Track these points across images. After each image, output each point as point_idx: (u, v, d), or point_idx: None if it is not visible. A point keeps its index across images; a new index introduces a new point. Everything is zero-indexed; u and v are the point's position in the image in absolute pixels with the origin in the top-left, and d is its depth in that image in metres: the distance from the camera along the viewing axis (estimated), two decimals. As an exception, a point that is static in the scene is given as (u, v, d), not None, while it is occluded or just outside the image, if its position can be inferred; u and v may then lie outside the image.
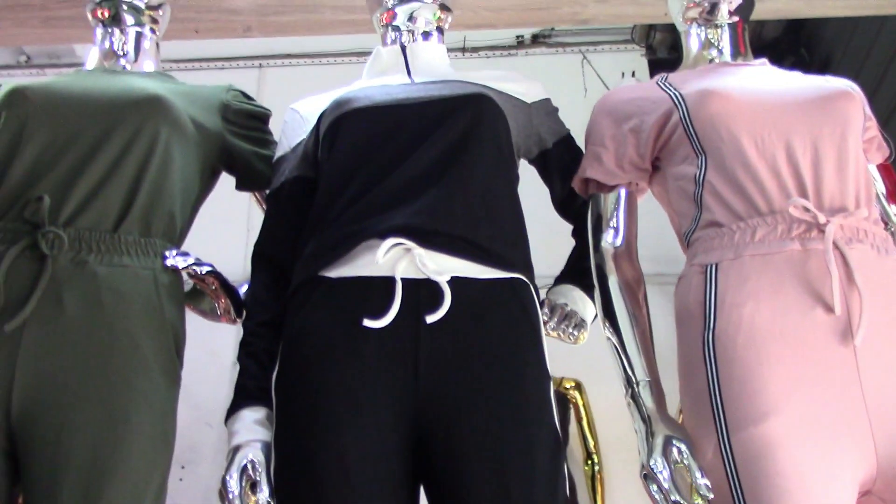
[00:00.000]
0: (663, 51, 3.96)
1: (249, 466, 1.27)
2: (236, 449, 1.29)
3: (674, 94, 1.52)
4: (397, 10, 1.67)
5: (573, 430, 3.65)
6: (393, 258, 1.30)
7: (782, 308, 1.28)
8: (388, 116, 1.46)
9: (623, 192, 1.58)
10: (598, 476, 3.56)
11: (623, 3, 2.17)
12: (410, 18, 1.67)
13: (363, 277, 1.31)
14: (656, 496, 1.24)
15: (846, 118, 1.43)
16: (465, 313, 1.29)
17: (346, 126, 1.47)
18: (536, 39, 4.69)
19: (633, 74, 3.66)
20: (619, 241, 1.54)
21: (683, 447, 1.26)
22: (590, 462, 3.58)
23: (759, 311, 1.28)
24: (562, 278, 1.60)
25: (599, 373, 3.67)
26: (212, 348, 3.57)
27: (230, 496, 1.25)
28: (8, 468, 1.30)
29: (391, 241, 1.30)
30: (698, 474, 1.23)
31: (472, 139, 1.43)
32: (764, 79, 1.54)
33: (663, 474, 1.24)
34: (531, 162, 1.66)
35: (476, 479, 1.19)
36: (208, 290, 1.49)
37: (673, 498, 1.22)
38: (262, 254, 1.52)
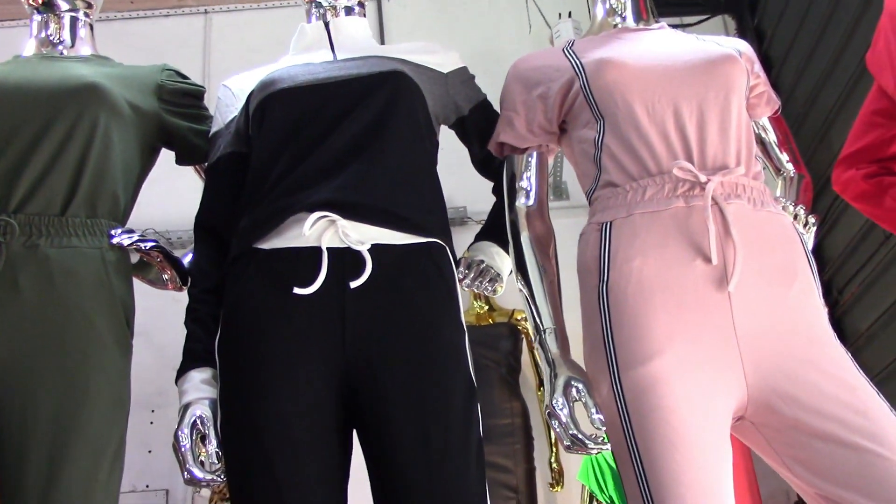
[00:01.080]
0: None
1: (199, 422, 1.42)
2: (186, 406, 1.44)
3: (575, 62, 1.65)
4: None
5: (525, 358, 3.85)
6: (319, 230, 1.44)
7: (667, 260, 1.43)
8: (311, 96, 1.58)
9: (535, 154, 1.72)
10: (550, 401, 3.76)
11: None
12: None
13: (293, 249, 1.45)
14: (558, 430, 1.41)
15: (729, 82, 1.57)
16: (386, 277, 1.43)
17: (271, 107, 1.58)
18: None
19: (570, 15, 3.74)
20: (531, 202, 1.68)
21: (581, 386, 1.43)
22: (542, 388, 3.77)
23: (646, 264, 1.43)
24: (481, 234, 1.75)
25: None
26: (174, 296, 3.71)
27: (182, 449, 1.41)
28: None
29: (317, 214, 1.44)
30: (593, 410, 1.40)
31: (389, 115, 1.55)
32: (659, 45, 1.66)
33: (563, 411, 1.41)
34: (450, 127, 1.78)
35: (398, 424, 1.35)
36: (154, 262, 1.62)
37: (570, 431, 1.39)
38: (203, 225, 1.65)
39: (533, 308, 1.56)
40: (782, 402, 1.35)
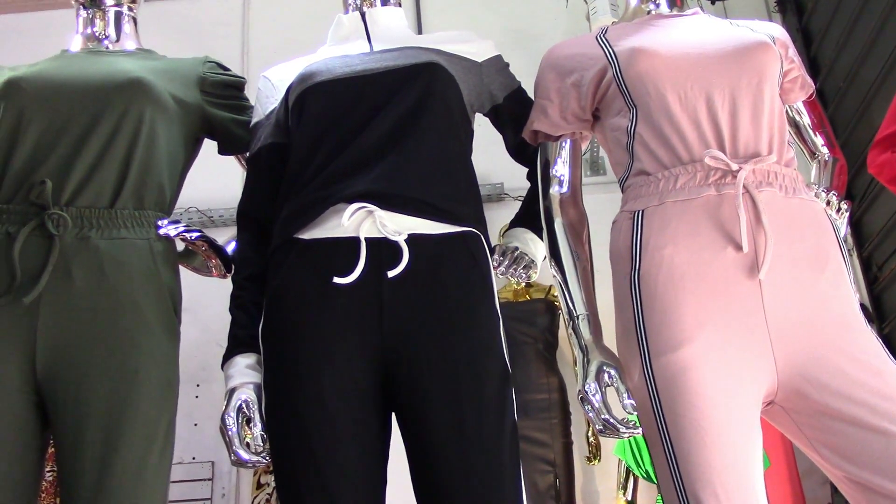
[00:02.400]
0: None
1: (244, 406, 1.48)
2: (232, 391, 1.50)
3: (608, 51, 1.67)
4: None
5: (563, 334, 3.88)
6: (357, 220, 1.48)
7: (698, 248, 1.46)
8: (349, 88, 1.61)
9: (568, 142, 1.74)
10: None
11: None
12: None
13: (332, 239, 1.50)
14: (591, 415, 1.45)
15: (762, 69, 1.58)
16: (422, 266, 1.47)
17: (310, 100, 1.63)
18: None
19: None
20: (565, 188, 1.71)
21: (613, 372, 1.46)
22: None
23: (677, 252, 1.46)
24: (516, 221, 1.79)
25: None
26: (218, 274, 3.81)
27: (229, 432, 1.47)
28: (38, 417, 1.51)
29: (355, 205, 1.48)
30: (626, 395, 1.43)
31: (424, 107, 1.59)
32: (692, 33, 1.67)
33: (596, 396, 1.44)
34: (485, 114, 1.81)
35: (435, 407, 1.40)
36: (199, 251, 1.68)
37: (603, 416, 1.43)
38: (246, 214, 1.70)
39: (566, 294, 1.59)
40: (811, 387, 1.38)
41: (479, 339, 1.46)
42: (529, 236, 1.74)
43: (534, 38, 4.56)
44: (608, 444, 3.48)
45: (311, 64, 1.71)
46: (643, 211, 1.52)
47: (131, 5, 1.87)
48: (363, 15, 1.80)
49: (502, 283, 3.75)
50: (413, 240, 1.48)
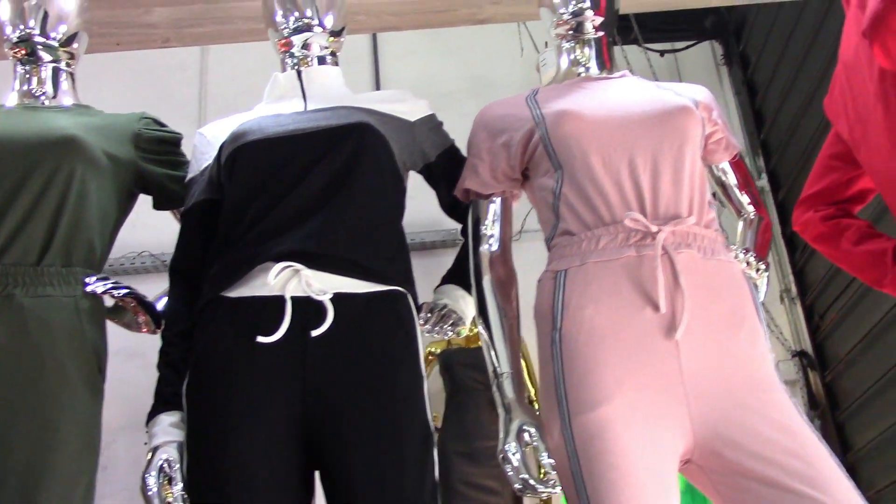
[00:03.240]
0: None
1: (165, 465, 1.48)
2: (154, 450, 1.50)
3: (536, 113, 1.71)
4: (293, 38, 1.83)
5: None
6: (284, 279, 1.50)
7: (618, 308, 1.48)
8: (280, 148, 1.64)
9: (499, 200, 1.77)
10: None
11: (517, 3, 2.33)
12: (305, 46, 1.83)
13: (258, 297, 1.51)
14: (510, 474, 1.47)
15: (683, 132, 1.62)
16: (346, 326, 1.49)
17: (241, 158, 1.65)
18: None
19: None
20: (494, 247, 1.74)
21: (533, 431, 1.49)
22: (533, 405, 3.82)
23: (598, 312, 1.49)
24: (447, 277, 1.81)
25: None
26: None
27: (149, 492, 1.47)
28: None
29: (281, 264, 1.50)
30: (544, 455, 1.46)
31: (354, 166, 1.62)
32: (618, 95, 1.72)
33: (515, 456, 1.46)
34: (418, 172, 1.84)
35: (355, 468, 1.41)
36: (128, 307, 1.69)
37: (521, 475, 1.45)
38: (178, 269, 1.71)
39: (492, 352, 1.62)
40: (726, 446, 1.41)
41: (400, 399, 1.48)
42: (460, 293, 1.76)
43: (490, 85, 4.64)
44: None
45: (245, 122, 1.73)
46: (566, 271, 1.55)
47: (69, 61, 1.89)
48: (299, 73, 1.83)
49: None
50: (338, 299, 1.50)
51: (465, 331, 1.74)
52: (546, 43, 3.95)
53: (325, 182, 1.59)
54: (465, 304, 1.75)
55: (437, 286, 1.81)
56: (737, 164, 1.88)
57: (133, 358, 4.20)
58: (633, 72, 1.91)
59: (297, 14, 1.80)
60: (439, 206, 1.90)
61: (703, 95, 1.78)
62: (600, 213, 1.56)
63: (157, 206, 1.86)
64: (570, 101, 1.71)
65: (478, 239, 1.75)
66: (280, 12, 1.82)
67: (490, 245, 1.73)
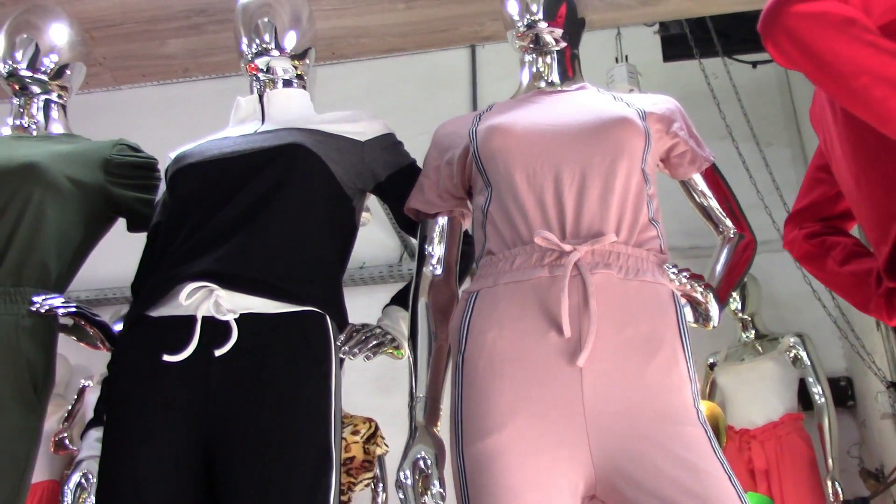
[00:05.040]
0: (676, 27, 3.95)
1: (83, 479, 1.54)
2: (77, 463, 1.56)
3: (473, 129, 1.66)
4: (256, 62, 1.87)
5: None
6: (199, 299, 1.53)
7: (522, 332, 1.41)
8: (212, 170, 1.67)
9: (444, 219, 1.73)
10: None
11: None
12: (268, 70, 1.87)
13: (173, 317, 1.54)
14: (403, 501, 1.42)
15: (617, 146, 1.52)
16: (251, 346, 1.49)
17: (178, 180, 1.70)
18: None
19: (626, 58, 3.69)
20: (436, 268, 1.70)
21: (430, 460, 1.43)
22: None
23: (501, 336, 1.42)
24: (394, 298, 1.78)
25: None
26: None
27: (65, 501, 1.53)
28: None
29: (194, 284, 1.53)
30: (435, 483, 1.40)
31: (280, 188, 1.62)
32: (561, 109, 1.64)
33: (408, 482, 1.42)
34: (371, 192, 1.83)
35: (241, 491, 1.41)
36: (79, 324, 1.76)
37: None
38: (136, 289, 1.77)
39: (414, 375, 1.58)
40: (624, 482, 1.31)
41: (297, 422, 1.46)
42: (401, 314, 1.73)
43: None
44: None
45: (193, 146, 1.78)
46: (478, 293, 1.49)
47: (61, 93, 2.01)
48: (261, 97, 1.86)
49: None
50: (245, 319, 1.51)
51: (400, 353, 1.70)
52: (626, 56, 3.84)
53: (249, 203, 1.61)
54: (405, 326, 1.72)
55: (385, 306, 1.78)
56: (710, 177, 1.75)
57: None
58: (636, 83, 1.82)
59: (257, 40, 1.84)
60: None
61: (662, 106, 1.67)
62: (520, 231, 1.49)
63: (130, 228, 1.94)
64: (508, 116, 1.65)
65: (421, 259, 1.72)
66: (245, 40, 1.86)
67: (433, 268, 1.70)
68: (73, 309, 1.73)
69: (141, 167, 1.95)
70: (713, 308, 1.56)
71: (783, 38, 1.23)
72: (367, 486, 3.45)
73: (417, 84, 5.06)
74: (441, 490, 1.39)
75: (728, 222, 1.76)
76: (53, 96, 1.99)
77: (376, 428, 3.51)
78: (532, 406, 1.36)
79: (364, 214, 3.97)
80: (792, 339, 3.71)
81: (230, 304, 1.51)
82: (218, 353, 1.48)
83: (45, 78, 1.97)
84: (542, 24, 1.73)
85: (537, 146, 1.54)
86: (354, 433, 3.48)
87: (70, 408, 3.83)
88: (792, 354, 3.70)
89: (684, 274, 1.52)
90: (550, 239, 1.43)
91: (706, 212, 1.77)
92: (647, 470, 1.29)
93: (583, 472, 1.34)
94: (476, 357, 1.43)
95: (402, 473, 1.43)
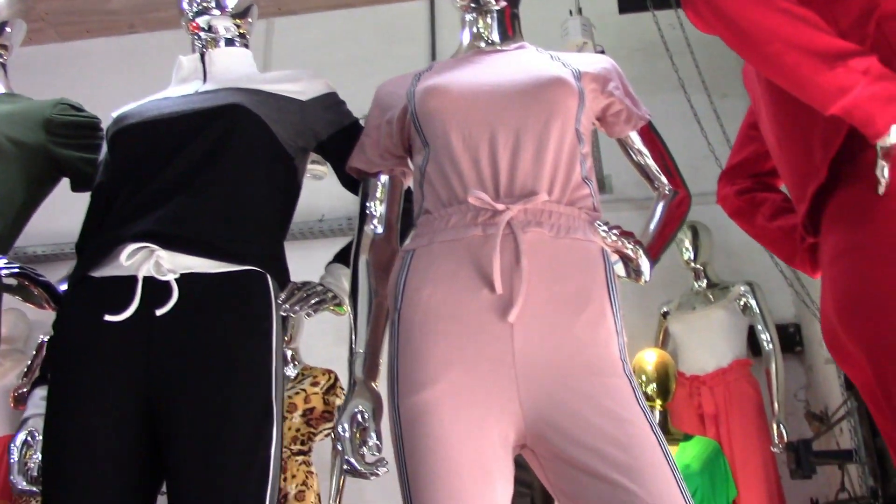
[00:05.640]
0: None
1: (29, 437, 1.57)
2: (24, 421, 1.59)
3: (411, 89, 1.68)
4: (197, 20, 1.86)
5: None
6: (140, 260, 1.55)
7: (456, 290, 1.45)
8: (152, 131, 1.68)
9: (386, 178, 1.76)
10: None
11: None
12: (210, 29, 1.87)
13: (115, 277, 1.57)
14: (340, 455, 1.47)
15: (552, 106, 1.56)
16: (192, 306, 1.52)
17: (118, 142, 1.70)
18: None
19: (581, 11, 3.69)
20: (379, 229, 1.73)
21: (367, 413, 1.48)
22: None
23: (435, 293, 1.46)
24: (337, 256, 1.81)
25: None
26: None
27: (11, 460, 1.56)
28: None
29: (135, 244, 1.55)
30: (371, 436, 1.45)
31: (221, 148, 1.64)
32: (499, 69, 1.66)
33: (345, 436, 1.47)
34: (314, 151, 1.85)
35: (184, 449, 1.45)
36: (23, 284, 1.78)
37: (346, 457, 1.45)
38: (81, 249, 1.79)
39: (354, 331, 1.61)
40: (552, 431, 1.36)
41: (238, 378, 1.50)
42: (344, 271, 1.76)
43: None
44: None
45: (132, 107, 1.78)
46: (414, 251, 1.53)
47: (1, 52, 1.99)
48: (202, 55, 1.86)
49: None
50: (186, 279, 1.53)
51: (342, 310, 1.74)
52: (580, 9, 3.85)
53: (191, 164, 1.62)
54: (347, 283, 1.75)
55: (327, 263, 1.81)
56: (646, 135, 1.78)
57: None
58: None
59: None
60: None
61: (597, 66, 1.70)
62: (455, 191, 1.52)
63: (74, 188, 1.95)
64: (445, 77, 1.67)
65: (363, 217, 1.75)
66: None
67: (374, 226, 1.73)
68: (17, 269, 1.75)
69: (83, 126, 1.95)
70: (644, 263, 1.61)
71: (701, 4, 1.26)
72: (326, 435, 3.51)
73: (375, 37, 5.03)
74: (377, 442, 1.44)
75: (663, 179, 1.80)
76: None
77: (336, 379, 3.55)
78: (465, 360, 1.41)
79: (321, 168, 3.98)
80: (742, 288, 3.80)
81: (171, 265, 1.54)
82: (159, 312, 1.50)
83: None
84: None
85: (473, 107, 1.57)
86: (314, 384, 3.53)
87: (30, 363, 3.84)
88: (742, 302, 3.79)
89: (614, 231, 1.55)
90: (483, 198, 1.47)
91: (642, 169, 1.82)
92: (573, 419, 1.35)
93: (513, 422, 1.39)
94: (411, 314, 1.47)
95: (340, 427, 1.47)
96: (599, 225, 1.55)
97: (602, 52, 3.80)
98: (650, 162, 1.80)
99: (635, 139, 1.78)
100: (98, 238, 1.62)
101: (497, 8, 1.78)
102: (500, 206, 1.47)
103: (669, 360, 3.42)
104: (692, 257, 3.92)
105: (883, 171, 1.24)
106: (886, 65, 1.21)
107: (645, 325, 4.09)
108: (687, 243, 3.93)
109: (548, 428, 1.37)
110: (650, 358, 3.40)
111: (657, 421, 3.24)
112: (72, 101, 1.97)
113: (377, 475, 1.45)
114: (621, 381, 1.40)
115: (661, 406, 3.31)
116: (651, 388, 3.31)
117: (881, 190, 1.25)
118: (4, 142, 1.79)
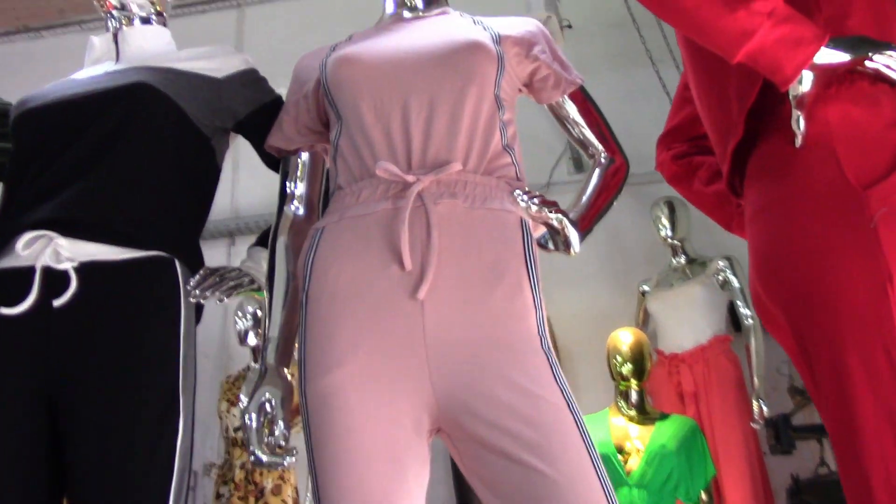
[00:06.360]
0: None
1: None
2: None
3: (324, 60, 1.60)
4: None
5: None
6: (39, 249, 1.48)
7: (364, 266, 1.38)
8: (53, 114, 1.61)
9: (306, 155, 1.68)
10: (558, 381, 3.68)
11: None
12: (122, 7, 1.79)
13: (13, 268, 1.50)
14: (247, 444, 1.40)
15: (468, 71, 1.48)
16: (92, 295, 1.45)
17: (21, 126, 1.63)
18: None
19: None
20: (298, 206, 1.65)
21: (275, 401, 1.41)
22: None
23: (343, 271, 1.39)
24: (258, 239, 1.74)
25: (567, 279, 3.77)
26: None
27: None
28: None
29: (32, 233, 1.48)
30: (279, 425, 1.38)
31: (123, 130, 1.57)
32: (416, 36, 1.58)
33: (252, 425, 1.40)
34: (232, 130, 1.77)
35: (83, 443, 1.39)
36: None
37: (251, 448, 1.38)
38: None
39: (268, 316, 1.54)
40: (465, 413, 1.29)
41: (139, 367, 1.43)
42: (265, 254, 1.69)
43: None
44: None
45: (36, 91, 1.71)
46: (323, 228, 1.45)
47: None
48: (115, 35, 1.79)
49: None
50: (86, 267, 1.46)
51: (263, 294, 1.67)
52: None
53: (93, 146, 1.55)
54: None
55: (249, 247, 1.74)
56: (577, 100, 1.70)
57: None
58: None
59: None
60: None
61: (521, 29, 1.62)
62: (366, 164, 1.45)
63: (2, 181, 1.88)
64: (359, 46, 1.59)
65: (283, 197, 1.68)
66: None
67: (296, 207, 1.65)
68: None
69: (2, 115, 1.88)
70: (572, 234, 1.52)
71: None
72: (301, 427, 3.46)
73: (348, 24, 4.92)
74: (285, 431, 1.37)
75: (598, 145, 1.72)
76: None
77: None
78: (372, 341, 1.33)
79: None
80: (721, 263, 3.72)
81: (70, 253, 1.47)
82: (56, 303, 1.43)
83: None
84: None
85: (385, 75, 1.49)
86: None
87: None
88: (721, 278, 3.70)
89: (534, 200, 1.47)
90: (391, 170, 1.40)
91: (575, 137, 1.74)
92: (484, 399, 1.28)
93: (426, 405, 1.32)
94: (318, 294, 1.40)
95: (247, 416, 1.41)
96: (518, 194, 1.47)
97: (569, 26, 3.72)
98: (584, 129, 1.71)
99: (567, 106, 1.70)
100: None
101: None
102: (410, 178, 1.39)
103: (644, 339, 3.34)
104: (669, 233, 3.84)
105: (798, 123, 1.16)
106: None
107: (625, 304, 4.02)
108: (664, 219, 3.85)
109: (461, 410, 1.30)
110: (625, 338, 3.32)
111: (634, 401, 3.22)
112: None
113: (283, 466, 1.37)
114: (537, 356, 1.32)
115: (636, 386, 3.24)
116: (627, 369, 3.24)
117: (798, 142, 1.17)
118: None
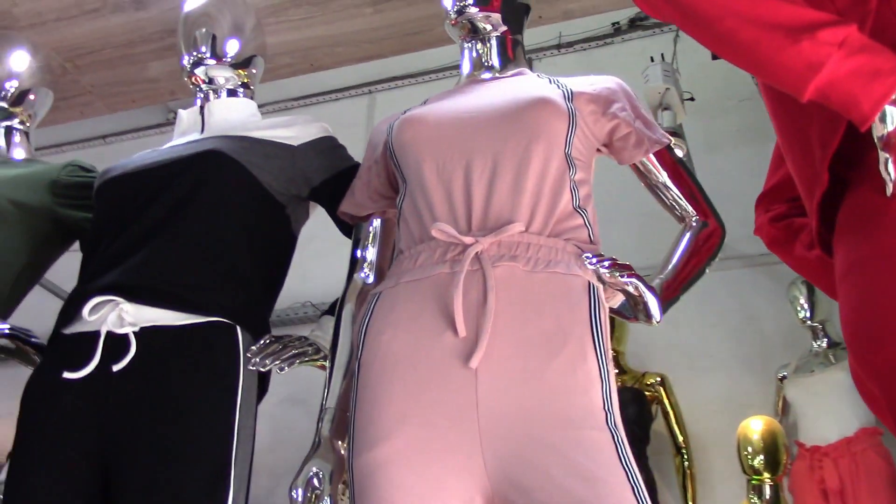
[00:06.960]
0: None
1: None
2: None
3: (392, 123, 1.56)
4: (195, 72, 1.82)
5: (656, 427, 3.59)
6: (105, 314, 1.48)
7: (418, 332, 1.30)
8: (132, 183, 1.63)
9: (378, 221, 1.64)
10: (689, 472, 3.46)
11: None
12: (210, 80, 1.82)
13: (80, 333, 1.50)
14: None
15: (533, 128, 1.40)
16: (151, 359, 1.43)
17: (101, 195, 1.67)
18: (633, 24, 4.63)
19: (663, 57, 3.50)
20: (370, 279, 1.60)
21: (324, 475, 1.33)
22: (679, 457, 3.49)
23: (396, 337, 1.31)
24: (330, 307, 1.69)
25: (697, 365, 3.56)
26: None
27: None
28: None
29: (98, 298, 1.48)
30: (326, 502, 1.30)
31: (193, 196, 1.56)
32: (485, 96, 1.53)
33: (298, 499, 1.32)
34: (308, 198, 1.75)
35: None
36: (19, 347, 1.75)
37: None
38: None
39: (328, 384, 1.48)
40: (515, 492, 1.18)
41: (189, 437, 1.38)
42: (332, 323, 1.63)
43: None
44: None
45: (121, 161, 1.75)
46: (380, 293, 1.39)
47: (24, 119, 2.02)
48: (202, 108, 1.81)
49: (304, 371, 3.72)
50: (147, 332, 1.45)
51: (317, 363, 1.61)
52: (662, 55, 3.65)
53: (163, 212, 1.56)
54: None
55: (320, 315, 1.70)
56: (664, 160, 1.58)
57: (298, 405, 4.41)
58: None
59: (194, 51, 1.80)
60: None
61: (598, 86, 1.53)
62: (426, 226, 1.39)
63: (83, 248, 1.92)
64: (430, 107, 1.56)
65: (353, 265, 1.63)
66: (184, 53, 1.83)
67: (365, 274, 1.60)
68: (7, 331, 1.72)
69: (89, 187, 1.93)
70: (650, 301, 1.38)
71: None
72: None
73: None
74: None
75: (688, 207, 1.59)
76: (15, 122, 2.01)
77: None
78: (422, 412, 1.24)
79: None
80: (868, 347, 3.40)
81: (133, 318, 1.46)
82: (115, 368, 1.42)
83: (4, 105, 1.99)
84: (473, 10, 1.63)
85: (448, 136, 1.44)
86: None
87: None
88: (868, 363, 3.39)
89: (605, 263, 1.35)
90: (448, 231, 1.32)
91: (667, 205, 1.61)
92: (538, 478, 1.16)
93: (477, 483, 1.21)
94: (371, 361, 1.32)
95: (293, 491, 1.33)
96: (588, 257, 1.35)
97: (691, 99, 3.58)
98: (675, 193, 1.59)
99: (657, 171, 1.58)
100: (72, 293, 1.57)
101: (496, 34, 1.66)
102: (468, 240, 1.31)
103: (778, 428, 3.08)
104: (808, 315, 3.55)
105: (887, 167, 1.01)
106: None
107: (763, 392, 3.73)
108: (802, 300, 3.57)
109: (512, 488, 1.18)
110: (756, 426, 3.07)
111: (769, 497, 2.95)
112: (83, 162, 1.97)
113: None
114: (601, 433, 1.19)
115: (770, 480, 2.97)
116: (758, 461, 2.99)
117: (889, 191, 1.02)
118: (6, 204, 1.79)
